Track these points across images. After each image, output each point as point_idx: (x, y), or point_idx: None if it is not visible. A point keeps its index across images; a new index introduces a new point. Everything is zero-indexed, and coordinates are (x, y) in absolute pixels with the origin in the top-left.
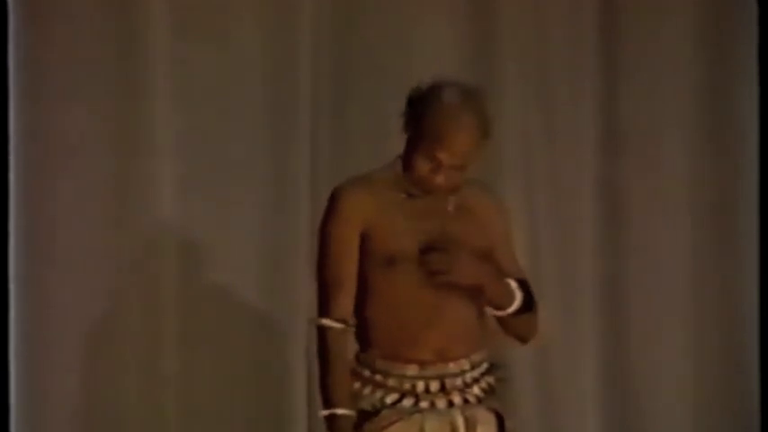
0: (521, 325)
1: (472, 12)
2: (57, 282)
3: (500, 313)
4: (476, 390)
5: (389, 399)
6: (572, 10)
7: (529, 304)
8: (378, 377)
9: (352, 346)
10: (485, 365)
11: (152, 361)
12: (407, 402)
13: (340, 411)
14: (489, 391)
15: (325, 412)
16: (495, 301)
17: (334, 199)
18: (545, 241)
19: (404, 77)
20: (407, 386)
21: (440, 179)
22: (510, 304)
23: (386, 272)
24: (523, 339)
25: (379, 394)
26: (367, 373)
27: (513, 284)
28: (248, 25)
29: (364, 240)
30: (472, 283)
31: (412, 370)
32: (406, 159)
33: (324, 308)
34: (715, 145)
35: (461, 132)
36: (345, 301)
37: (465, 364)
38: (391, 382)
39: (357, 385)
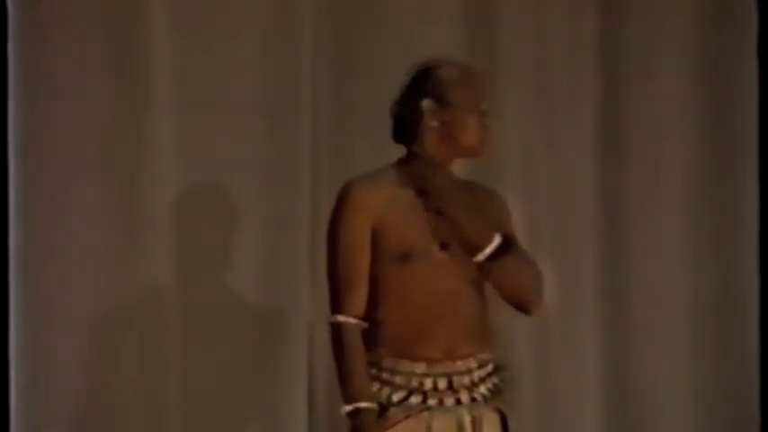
0: (512, 278)
1: (472, 12)
2: (57, 281)
3: (477, 258)
4: (482, 389)
5: (397, 396)
6: (572, 11)
7: (509, 249)
8: (385, 375)
9: None
10: (491, 366)
11: (152, 360)
12: (415, 400)
13: (363, 405)
14: (495, 392)
15: (349, 408)
16: (469, 240)
17: (343, 194)
18: (545, 241)
19: (404, 78)
20: (415, 384)
21: (492, 125)
22: (485, 245)
23: (398, 268)
24: (524, 303)
25: (386, 392)
26: (374, 371)
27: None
28: (249, 25)
29: (375, 236)
30: (442, 207)
31: (420, 368)
32: (432, 143)
33: (337, 305)
34: (715, 145)
35: (477, 73)
36: (359, 298)
37: (472, 363)
38: (398, 379)
39: None
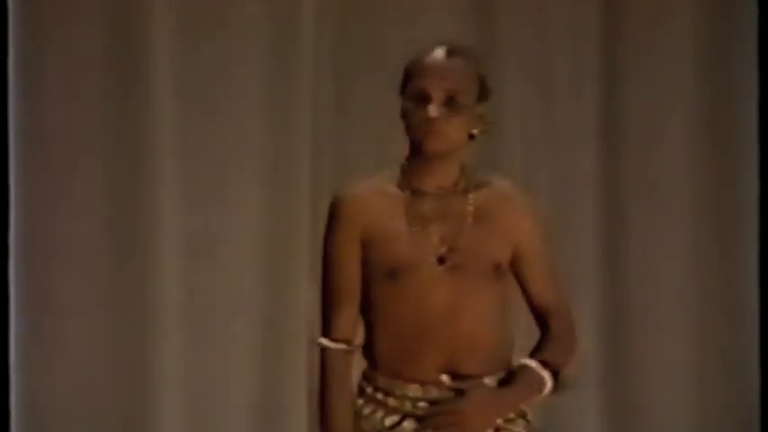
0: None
1: (473, 10)
2: (57, 281)
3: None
4: None
5: (389, 420)
6: (573, 8)
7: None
8: (379, 395)
9: (359, 363)
10: None
11: (152, 360)
12: (409, 426)
13: None
14: (511, 419)
15: None
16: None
17: (332, 206)
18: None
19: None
20: (408, 407)
21: (433, 112)
22: (542, 390)
23: (387, 285)
24: None
25: (379, 414)
26: (370, 390)
27: (533, 366)
28: (249, 25)
29: (364, 251)
30: (492, 422)
31: (413, 390)
32: (406, 129)
33: (324, 326)
34: (715, 145)
35: (442, 57)
36: (345, 319)
37: None
38: (392, 401)
39: (360, 402)
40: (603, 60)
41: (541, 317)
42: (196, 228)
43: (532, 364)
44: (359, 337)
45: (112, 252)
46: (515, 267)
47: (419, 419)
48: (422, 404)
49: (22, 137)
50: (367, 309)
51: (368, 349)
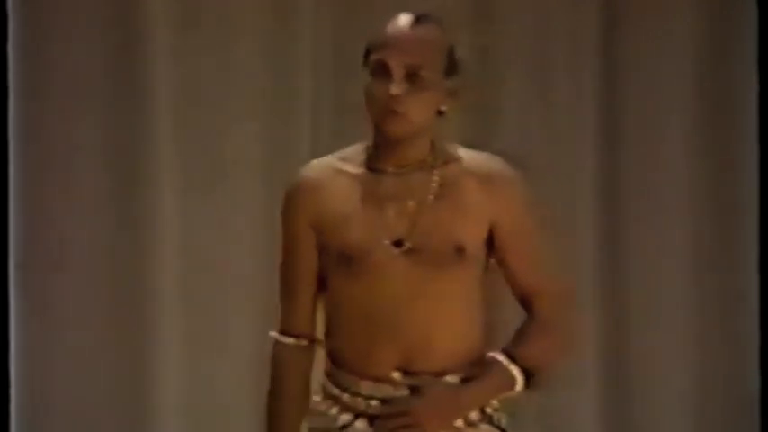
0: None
1: (472, 10)
2: (56, 282)
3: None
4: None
5: (342, 420)
6: (573, 8)
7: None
8: (335, 390)
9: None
10: None
11: (152, 359)
12: (361, 425)
13: None
14: (473, 422)
15: None
16: (495, 397)
17: (286, 189)
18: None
19: None
20: (362, 406)
21: (394, 89)
22: (512, 387)
23: (341, 272)
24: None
25: (333, 411)
26: (328, 386)
27: (500, 360)
28: (249, 24)
29: (319, 235)
30: (450, 421)
31: (367, 388)
32: (366, 107)
33: (279, 318)
34: (715, 144)
35: (404, 27)
36: (297, 313)
37: None
38: (346, 398)
39: (318, 399)
40: (603, 60)
41: (526, 303)
42: (196, 229)
43: (500, 358)
44: (317, 333)
45: (113, 253)
46: (495, 247)
47: (372, 419)
48: (374, 403)
49: (22, 137)
50: (328, 299)
51: (327, 343)
